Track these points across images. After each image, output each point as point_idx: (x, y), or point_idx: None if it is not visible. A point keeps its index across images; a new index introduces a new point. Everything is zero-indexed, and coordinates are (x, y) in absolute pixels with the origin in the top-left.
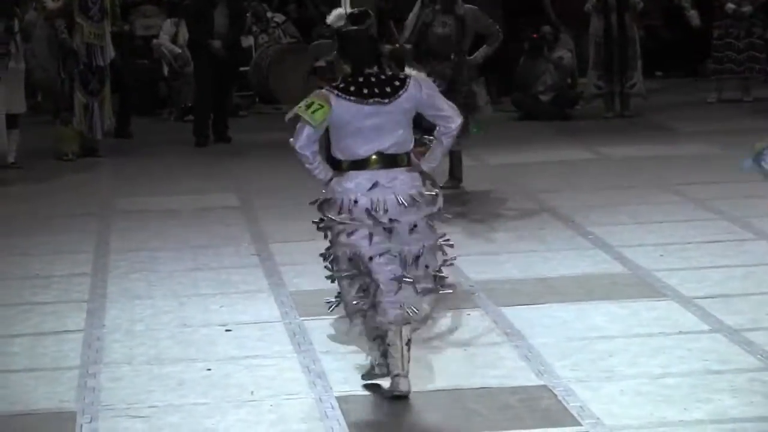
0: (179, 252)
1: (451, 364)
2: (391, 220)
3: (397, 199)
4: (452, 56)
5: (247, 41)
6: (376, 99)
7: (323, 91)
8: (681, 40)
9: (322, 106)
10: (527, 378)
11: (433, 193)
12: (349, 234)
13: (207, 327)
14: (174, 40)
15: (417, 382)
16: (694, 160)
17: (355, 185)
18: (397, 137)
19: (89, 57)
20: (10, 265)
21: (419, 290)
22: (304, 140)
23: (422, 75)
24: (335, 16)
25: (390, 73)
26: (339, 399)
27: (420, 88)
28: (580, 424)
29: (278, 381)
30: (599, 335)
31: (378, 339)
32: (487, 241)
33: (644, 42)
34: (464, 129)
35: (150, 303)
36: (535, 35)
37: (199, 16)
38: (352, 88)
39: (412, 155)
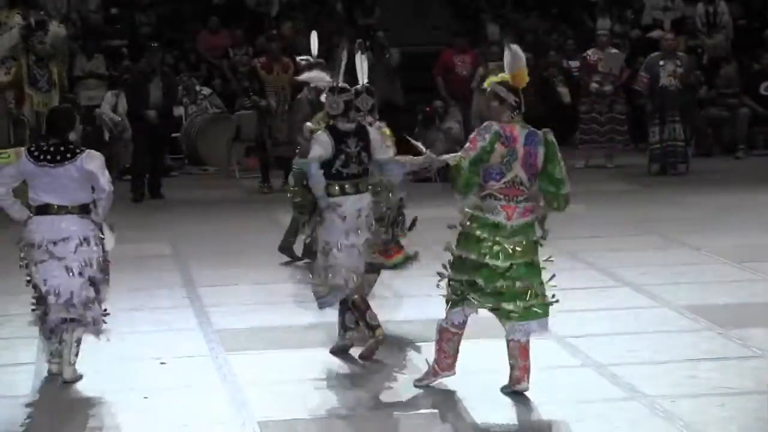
0: (118, 294)
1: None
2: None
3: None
4: None
5: (178, 111)
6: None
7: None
8: (553, 113)
9: (9, 156)
10: None
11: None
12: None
13: (143, 360)
14: (114, 109)
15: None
16: (564, 217)
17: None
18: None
19: (38, 124)
20: None
21: None
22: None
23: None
24: None
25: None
26: (260, 424)
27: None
28: None
29: (207, 408)
30: (482, 369)
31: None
32: None
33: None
34: None
35: (92, 339)
36: (428, 108)
37: (137, 89)
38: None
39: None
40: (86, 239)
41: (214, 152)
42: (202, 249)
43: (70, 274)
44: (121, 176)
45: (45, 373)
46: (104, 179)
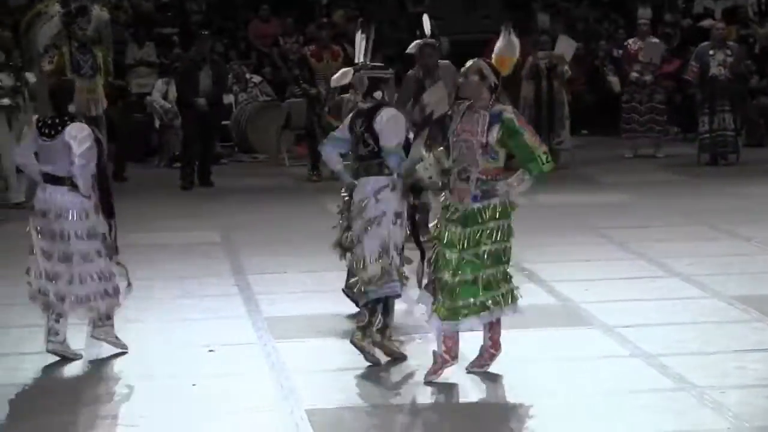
0: (167, 282)
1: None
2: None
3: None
4: None
5: (228, 99)
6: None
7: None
8: (603, 103)
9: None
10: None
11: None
12: None
13: (192, 347)
14: (165, 97)
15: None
16: (614, 207)
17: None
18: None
19: (87, 109)
20: (19, 292)
21: None
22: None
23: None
24: None
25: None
26: (308, 412)
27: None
28: None
29: (255, 395)
30: (531, 358)
31: None
32: None
33: (571, 105)
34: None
35: (140, 326)
36: None
37: (187, 77)
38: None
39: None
40: (77, 212)
41: (264, 140)
42: (252, 237)
43: (67, 261)
44: (171, 164)
45: (95, 359)
46: (77, 152)
